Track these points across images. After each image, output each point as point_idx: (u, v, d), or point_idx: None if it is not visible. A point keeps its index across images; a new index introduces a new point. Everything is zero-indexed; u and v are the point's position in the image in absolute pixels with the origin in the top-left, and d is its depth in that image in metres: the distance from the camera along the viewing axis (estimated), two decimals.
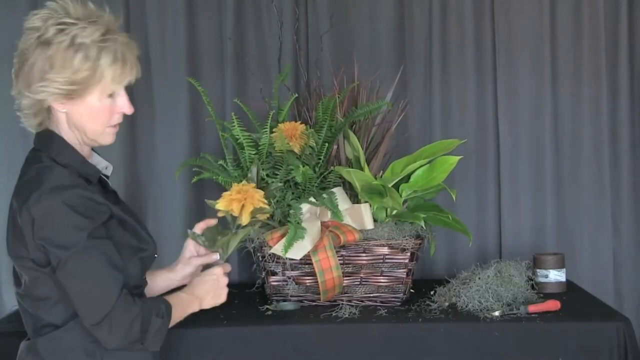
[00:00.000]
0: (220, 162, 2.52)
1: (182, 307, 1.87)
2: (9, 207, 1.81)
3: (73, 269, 1.70)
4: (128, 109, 1.83)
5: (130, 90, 1.86)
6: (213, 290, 1.94)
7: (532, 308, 2.34)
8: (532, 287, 2.54)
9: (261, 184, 2.41)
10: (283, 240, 2.34)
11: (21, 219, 1.73)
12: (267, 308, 2.43)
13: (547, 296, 2.50)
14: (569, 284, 2.70)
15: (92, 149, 1.90)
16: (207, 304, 1.94)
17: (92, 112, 1.78)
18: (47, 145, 1.81)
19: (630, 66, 3.08)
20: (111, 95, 1.79)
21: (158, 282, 2.06)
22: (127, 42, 1.80)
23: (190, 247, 2.09)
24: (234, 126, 2.46)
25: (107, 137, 1.84)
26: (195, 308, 1.92)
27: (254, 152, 2.46)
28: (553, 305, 2.37)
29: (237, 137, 2.48)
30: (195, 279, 1.96)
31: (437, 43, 3.06)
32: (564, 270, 2.66)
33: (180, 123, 3.03)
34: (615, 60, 3.07)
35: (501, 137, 3.06)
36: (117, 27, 1.80)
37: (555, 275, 2.64)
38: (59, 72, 1.72)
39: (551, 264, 2.64)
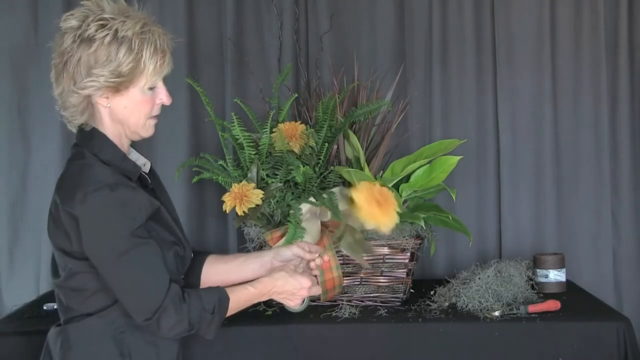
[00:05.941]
0: (220, 162, 2.52)
1: (245, 300, 1.88)
2: (52, 200, 1.80)
3: (118, 270, 1.71)
4: (167, 100, 1.87)
5: None
6: (290, 293, 1.93)
7: (532, 308, 2.34)
8: (532, 287, 2.54)
9: (261, 184, 2.41)
10: (283, 240, 2.34)
11: (64, 215, 1.73)
12: (264, 308, 2.42)
13: (547, 296, 2.50)
14: (569, 284, 2.70)
15: (131, 146, 1.93)
16: (276, 298, 1.95)
17: (134, 104, 1.81)
18: (89, 141, 1.82)
19: (630, 66, 3.07)
20: (151, 88, 1.82)
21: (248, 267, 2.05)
22: (164, 34, 1.84)
23: (298, 251, 2.07)
24: (234, 126, 2.46)
25: (148, 129, 1.87)
26: (262, 299, 1.93)
27: (254, 152, 2.46)
28: (553, 305, 2.37)
29: (237, 137, 2.48)
30: (280, 273, 1.94)
31: (437, 43, 3.06)
32: (564, 270, 2.66)
33: (180, 123, 3.03)
34: (615, 59, 3.07)
35: (501, 137, 3.06)
36: (152, 20, 1.83)
37: (555, 275, 2.64)
38: (104, 66, 1.75)
39: (551, 264, 2.64)
